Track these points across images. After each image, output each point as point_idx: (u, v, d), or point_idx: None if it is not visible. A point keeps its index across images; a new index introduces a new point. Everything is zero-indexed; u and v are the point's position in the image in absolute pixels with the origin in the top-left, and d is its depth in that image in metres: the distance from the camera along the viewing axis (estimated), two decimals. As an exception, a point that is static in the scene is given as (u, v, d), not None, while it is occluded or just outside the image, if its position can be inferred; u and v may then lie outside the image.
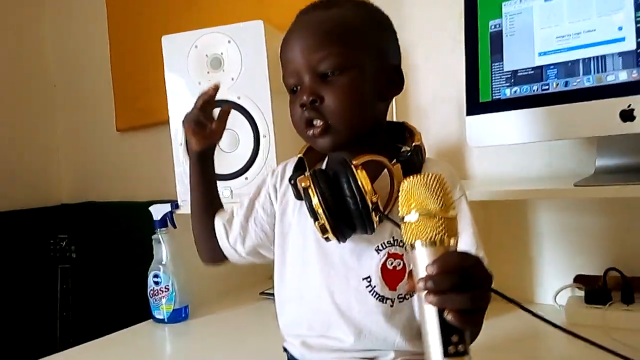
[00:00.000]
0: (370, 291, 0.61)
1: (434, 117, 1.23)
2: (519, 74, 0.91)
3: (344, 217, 0.57)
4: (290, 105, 0.63)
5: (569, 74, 0.87)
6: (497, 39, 0.94)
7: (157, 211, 1.18)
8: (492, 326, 0.93)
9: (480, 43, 0.96)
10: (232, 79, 1.12)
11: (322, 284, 0.64)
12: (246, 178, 1.13)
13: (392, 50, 0.66)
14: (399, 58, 0.67)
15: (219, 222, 0.74)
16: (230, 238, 0.73)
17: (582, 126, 0.87)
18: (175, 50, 1.16)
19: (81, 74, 2.09)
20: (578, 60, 0.86)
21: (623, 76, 0.82)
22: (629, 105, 0.81)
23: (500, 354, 0.86)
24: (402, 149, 0.63)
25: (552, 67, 0.88)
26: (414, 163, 0.60)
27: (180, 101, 1.18)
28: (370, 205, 0.55)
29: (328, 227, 0.57)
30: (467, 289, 0.43)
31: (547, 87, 0.89)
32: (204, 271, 1.17)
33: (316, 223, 0.58)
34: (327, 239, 0.59)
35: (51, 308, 1.97)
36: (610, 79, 0.83)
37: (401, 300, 0.60)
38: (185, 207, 1.18)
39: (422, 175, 0.46)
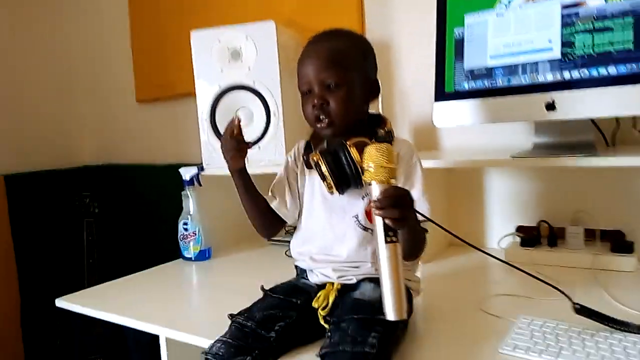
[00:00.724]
0: (357, 224, 0.90)
1: (413, 99, 1.49)
2: (474, 72, 1.18)
3: (343, 178, 0.85)
4: (303, 104, 0.90)
5: (512, 73, 1.14)
6: (459, 43, 1.20)
7: (186, 172, 1.45)
8: (451, 262, 1.24)
9: (447, 45, 1.22)
10: (249, 68, 1.38)
11: (326, 221, 0.93)
12: (259, 147, 1.39)
13: (372, 69, 0.94)
14: (376, 72, 0.94)
15: (274, 205, 0.98)
16: (289, 208, 0.98)
17: (519, 113, 1.15)
18: (202, 44, 1.41)
19: (102, 50, 2.30)
20: (518, 63, 1.13)
21: (549, 77, 1.09)
22: (552, 99, 1.08)
23: (456, 280, 1.16)
24: (378, 132, 0.89)
25: (499, 68, 1.15)
26: (386, 141, 0.87)
27: (206, 84, 1.43)
28: (360, 170, 0.82)
29: (333, 185, 0.85)
30: (397, 207, 0.72)
31: (495, 83, 1.16)
32: (223, 221, 1.48)
33: (325, 183, 0.86)
34: (332, 193, 0.87)
35: (79, 256, 2.24)
36: (541, 79, 1.10)
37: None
38: (209, 170, 1.45)
39: (376, 144, 0.76)
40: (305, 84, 0.89)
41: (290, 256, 1.02)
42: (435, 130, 1.45)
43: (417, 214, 0.81)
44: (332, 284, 0.90)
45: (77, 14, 2.34)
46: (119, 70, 2.22)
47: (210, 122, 1.43)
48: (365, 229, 0.90)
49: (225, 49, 1.39)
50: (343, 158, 0.84)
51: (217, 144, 1.43)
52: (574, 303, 0.82)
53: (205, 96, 1.42)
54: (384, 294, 0.73)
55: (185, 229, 1.44)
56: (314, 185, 0.95)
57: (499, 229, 1.36)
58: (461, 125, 1.29)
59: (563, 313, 0.83)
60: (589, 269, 1.12)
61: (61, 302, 1.18)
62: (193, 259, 1.44)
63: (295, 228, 1.01)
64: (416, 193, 0.87)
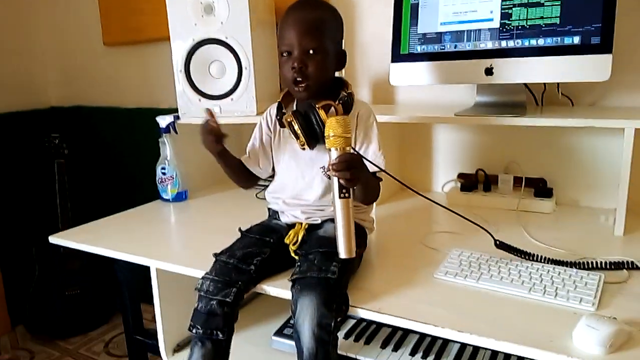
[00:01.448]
0: (324, 174, 1.05)
1: (372, 54, 1.62)
2: (427, 36, 1.32)
3: (313, 135, 0.99)
4: (282, 66, 1.02)
5: (458, 39, 1.29)
6: (415, 9, 1.33)
7: (163, 120, 1.55)
8: (401, 205, 1.43)
9: (404, 10, 1.35)
10: (222, 22, 1.46)
11: (297, 171, 1.08)
12: (232, 99, 1.51)
13: (342, 40, 1.07)
14: (342, 44, 1.08)
15: (249, 165, 1.13)
16: (261, 166, 1.14)
17: (462, 76, 1.31)
18: (177, -2, 1.48)
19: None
20: (464, 31, 1.28)
21: (490, 45, 1.25)
22: (491, 65, 1.25)
23: (404, 220, 1.36)
24: (341, 95, 1.03)
25: (447, 33, 1.30)
26: (348, 103, 1.02)
27: (180, 37, 1.51)
28: (327, 128, 0.98)
29: (305, 141, 1.00)
30: (349, 169, 0.88)
31: (443, 47, 1.31)
32: (198, 166, 1.61)
33: (298, 140, 1.01)
34: (303, 149, 1.01)
35: (51, 196, 2.32)
36: (482, 46, 1.26)
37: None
38: (184, 118, 1.57)
39: (336, 116, 0.90)
40: (287, 45, 1.00)
41: (262, 198, 1.18)
42: (391, 87, 1.59)
43: (374, 166, 0.98)
44: (301, 223, 1.08)
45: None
46: (85, 11, 2.23)
47: (185, 74, 1.52)
48: (330, 177, 1.05)
49: (198, 3, 1.47)
50: (313, 118, 0.99)
51: (192, 94, 1.54)
52: (495, 239, 1.03)
53: (179, 49, 1.51)
54: (337, 237, 0.91)
55: (163, 173, 1.56)
56: (286, 143, 1.10)
57: (443, 176, 1.55)
58: (414, 84, 1.44)
59: (487, 247, 1.03)
60: (515, 211, 1.34)
61: (55, 239, 1.30)
62: (171, 200, 1.57)
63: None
64: (373, 147, 1.04)
